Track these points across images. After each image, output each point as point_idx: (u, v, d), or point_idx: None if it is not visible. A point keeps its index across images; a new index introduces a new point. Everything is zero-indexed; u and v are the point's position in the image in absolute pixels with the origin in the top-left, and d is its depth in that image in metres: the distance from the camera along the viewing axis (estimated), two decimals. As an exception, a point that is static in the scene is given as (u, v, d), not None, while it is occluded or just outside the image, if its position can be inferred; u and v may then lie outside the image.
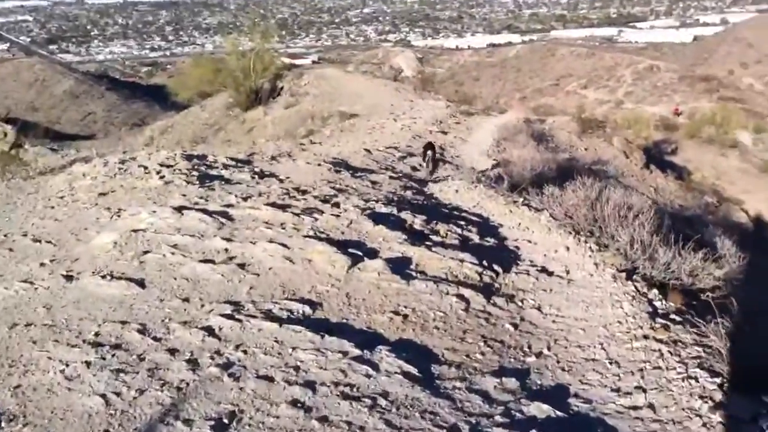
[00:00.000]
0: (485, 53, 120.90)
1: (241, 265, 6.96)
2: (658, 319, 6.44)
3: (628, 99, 67.17)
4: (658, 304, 6.87)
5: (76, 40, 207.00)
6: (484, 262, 7.52)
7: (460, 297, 6.70)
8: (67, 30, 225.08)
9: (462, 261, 7.42)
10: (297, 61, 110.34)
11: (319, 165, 12.86)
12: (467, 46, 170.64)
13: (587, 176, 11.65)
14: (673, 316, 6.58)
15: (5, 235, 8.50)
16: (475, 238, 8.64)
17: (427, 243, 7.94)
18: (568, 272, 7.71)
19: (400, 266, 7.11)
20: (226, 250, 7.33)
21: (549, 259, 8.15)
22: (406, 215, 9.00)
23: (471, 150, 19.87)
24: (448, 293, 6.73)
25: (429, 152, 15.27)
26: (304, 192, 10.24)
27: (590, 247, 8.32)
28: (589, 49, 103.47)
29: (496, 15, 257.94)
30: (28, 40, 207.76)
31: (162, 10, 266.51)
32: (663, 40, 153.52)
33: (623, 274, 7.52)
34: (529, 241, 8.87)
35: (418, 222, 8.79)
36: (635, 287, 7.19)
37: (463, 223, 9.26)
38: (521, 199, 10.87)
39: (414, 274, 7.06)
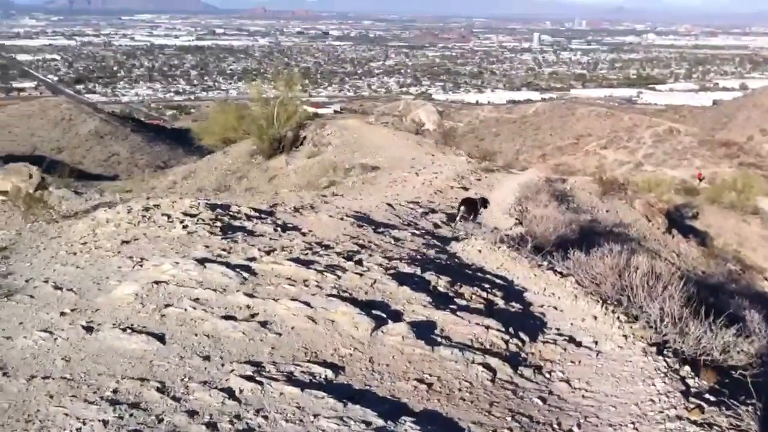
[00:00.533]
0: (505, 109, 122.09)
1: (263, 324, 6.83)
2: (692, 399, 6.23)
3: (648, 161, 67.28)
4: (690, 381, 6.66)
5: (102, 80, 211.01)
6: (511, 329, 7.36)
7: (487, 366, 6.52)
8: (94, 70, 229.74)
9: (488, 327, 7.26)
10: (319, 110, 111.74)
11: (342, 219, 12.78)
12: (487, 101, 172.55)
13: (612, 242, 11.49)
14: (707, 396, 6.36)
15: (27, 281, 8.43)
16: (500, 303, 8.49)
17: (452, 306, 7.79)
18: (596, 343, 7.51)
19: (424, 331, 6.95)
20: (248, 306, 7.22)
21: (576, 329, 7.97)
22: (430, 276, 8.87)
23: (493, 208, 19.78)
24: (474, 362, 6.56)
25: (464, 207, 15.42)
26: (327, 247, 10.15)
27: (618, 318, 8.12)
28: (609, 110, 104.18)
29: (516, 72, 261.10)
30: (56, 79, 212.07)
31: (188, 54, 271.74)
32: (682, 103, 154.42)
33: (654, 348, 7.31)
34: (555, 308, 8.70)
35: (442, 284, 8.65)
36: (667, 363, 6.98)
37: (487, 285, 9.11)
38: (546, 263, 10.71)
39: (439, 339, 6.91)
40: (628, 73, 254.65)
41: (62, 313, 7.24)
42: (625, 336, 7.61)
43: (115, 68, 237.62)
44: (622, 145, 75.58)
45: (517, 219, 17.84)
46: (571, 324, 8.13)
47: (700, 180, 54.75)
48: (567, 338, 7.63)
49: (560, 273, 10.04)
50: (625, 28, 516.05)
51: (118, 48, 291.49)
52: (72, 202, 14.02)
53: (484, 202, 16.40)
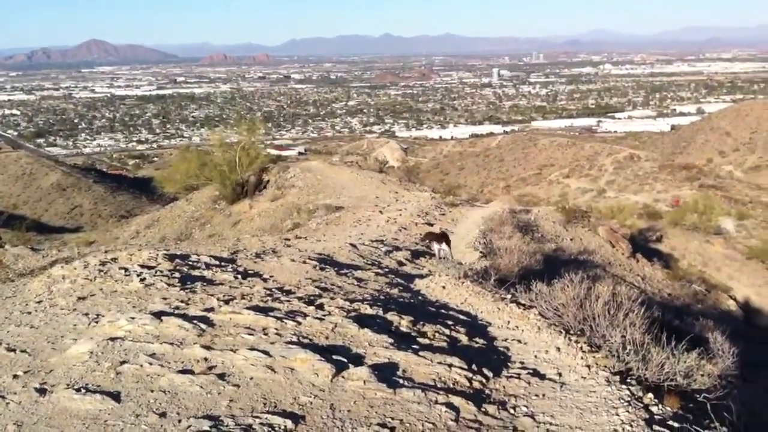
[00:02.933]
0: (468, 143, 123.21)
1: (221, 376, 6.67)
2: (655, 427, 6.20)
3: (610, 188, 68.08)
4: (654, 409, 6.64)
5: (63, 133, 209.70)
6: (474, 366, 7.28)
7: (450, 406, 6.43)
8: (54, 123, 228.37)
9: (451, 366, 7.17)
10: (283, 152, 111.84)
11: (304, 262, 12.68)
12: (450, 136, 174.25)
13: (574, 272, 11.51)
14: (670, 423, 6.35)
15: (-21, 344, 8.19)
16: (464, 339, 8.42)
17: (414, 346, 7.70)
18: (560, 375, 7.47)
19: (386, 373, 6.85)
20: (206, 359, 7.05)
21: (540, 361, 7.92)
22: (392, 316, 8.78)
23: (457, 242, 19.81)
24: (437, 402, 6.46)
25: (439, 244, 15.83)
26: (288, 292, 10.03)
27: (582, 348, 8.11)
28: (570, 139, 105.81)
29: (477, 106, 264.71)
30: (15, 133, 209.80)
31: (149, 103, 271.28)
32: (641, 130, 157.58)
33: (617, 377, 7.30)
34: (519, 341, 8.66)
35: (404, 323, 8.57)
36: (630, 391, 6.97)
37: (451, 322, 9.05)
38: (509, 296, 10.69)
39: (401, 381, 6.80)
40: (587, 103, 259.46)
41: (15, 376, 7.01)
42: (589, 366, 7.59)
43: (75, 120, 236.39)
44: (584, 173, 76.49)
45: (481, 252, 17.88)
46: (535, 356, 8.09)
47: (677, 206, 55.17)
48: (531, 371, 7.58)
49: (523, 305, 10.02)
50: (582, 60, 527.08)
51: (78, 100, 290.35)
52: (28, 260, 13.76)
53: (445, 237, 16.55)
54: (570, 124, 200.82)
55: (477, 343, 8.40)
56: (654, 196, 61.45)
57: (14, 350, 7.79)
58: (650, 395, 6.94)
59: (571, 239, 26.86)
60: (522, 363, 7.89)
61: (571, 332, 8.78)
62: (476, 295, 10.71)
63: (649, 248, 33.64)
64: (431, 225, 22.49)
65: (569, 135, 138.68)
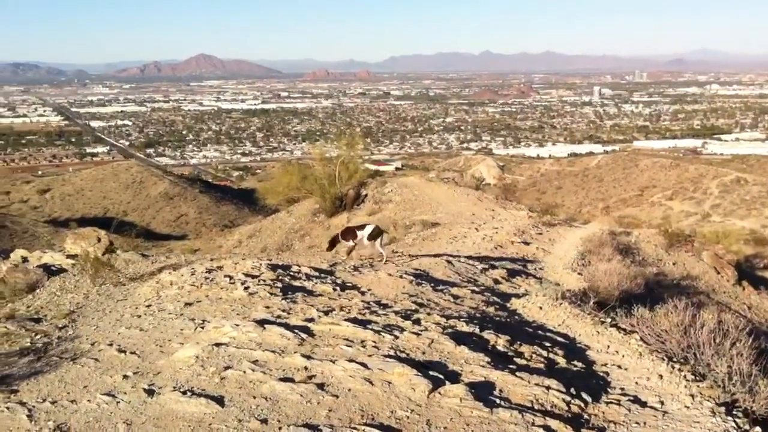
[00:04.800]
0: (567, 162, 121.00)
1: (320, 386, 6.83)
2: (764, 463, 5.96)
3: (716, 212, 65.49)
4: (762, 444, 6.38)
5: (172, 144, 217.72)
6: (572, 390, 7.18)
7: (547, 429, 6.36)
8: (163, 134, 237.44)
9: (548, 388, 7.10)
10: (381, 168, 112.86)
11: (401, 277, 12.77)
12: (548, 155, 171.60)
13: (678, 297, 11.17)
14: (780, 460, 6.08)
15: (92, 344, 8.65)
16: (562, 362, 8.31)
17: (511, 366, 7.65)
18: (662, 403, 7.27)
19: (483, 392, 6.84)
20: (306, 368, 7.23)
21: (641, 388, 7.73)
22: (488, 335, 8.76)
23: (554, 262, 19.53)
24: (533, 424, 6.41)
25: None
26: (385, 306, 10.15)
27: (685, 377, 7.87)
28: (674, 160, 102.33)
29: (577, 125, 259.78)
30: (127, 143, 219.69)
31: (254, 117, 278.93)
32: (749, 153, 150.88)
33: (722, 409, 7.04)
34: (619, 367, 8.47)
35: (501, 342, 8.54)
36: (736, 423, 6.72)
37: (548, 344, 8.95)
38: (609, 320, 10.47)
39: (498, 401, 6.78)
40: (692, 124, 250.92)
41: (125, 377, 7.38)
42: (692, 395, 7.35)
43: (184, 132, 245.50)
44: (688, 195, 73.86)
45: (580, 274, 17.55)
46: (636, 383, 7.90)
47: None
48: (631, 398, 7.41)
49: (624, 330, 9.81)
50: (687, 80, 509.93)
51: (187, 113, 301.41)
52: (138, 265, 14.39)
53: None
54: (673, 145, 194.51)
55: (575, 366, 8.27)
56: (762, 221, 58.76)
57: (124, 351, 8.20)
58: (757, 429, 6.67)
59: (674, 264, 25.98)
60: (622, 389, 7.72)
61: (674, 360, 8.53)
62: (575, 317, 10.54)
63: (756, 276, 32.16)
64: (528, 244, 22.23)
65: (673, 156, 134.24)
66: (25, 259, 18.06)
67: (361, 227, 15.63)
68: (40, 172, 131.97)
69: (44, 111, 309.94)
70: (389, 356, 7.52)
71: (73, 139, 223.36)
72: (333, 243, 15.53)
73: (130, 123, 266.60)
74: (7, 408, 6.72)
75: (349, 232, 15.45)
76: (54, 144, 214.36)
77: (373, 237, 15.23)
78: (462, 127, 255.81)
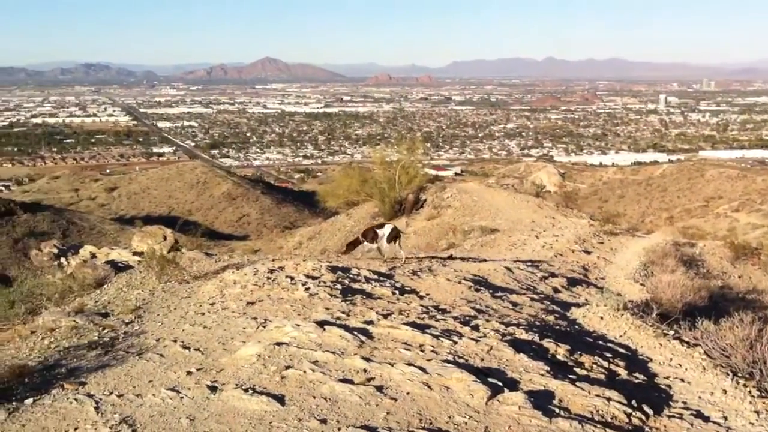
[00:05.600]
0: (630, 170, 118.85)
1: (379, 388, 6.88)
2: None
3: (784, 224, 63.34)
4: (831, 465, 6.20)
5: (236, 145, 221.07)
6: (633, 402, 7.08)
7: (607, 439, 6.30)
8: (228, 136, 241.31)
9: (609, 399, 7.01)
10: (440, 173, 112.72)
11: (459, 282, 12.78)
12: (611, 162, 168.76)
13: (744, 311, 10.90)
14: None
15: (157, 340, 8.88)
16: (623, 373, 8.20)
17: (571, 376, 7.59)
18: (725, 419, 7.13)
19: (542, 401, 6.80)
20: (365, 370, 7.30)
21: (704, 402, 7.59)
22: (548, 343, 8.70)
23: (616, 272, 19.25)
24: (593, 434, 6.35)
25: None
26: (444, 311, 10.16)
27: (750, 392, 7.69)
28: (741, 171, 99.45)
29: (641, 133, 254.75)
30: (193, 144, 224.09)
31: (316, 120, 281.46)
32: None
33: (790, 427, 6.86)
34: (682, 380, 8.32)
35: (561, 352, 8.47)
36: (804, 443, 6.53)
37: (609, 354, 8.84)
38: (672, 332, 10.29)
39: (557, 410, 6.72)
40: (761, 134, 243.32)
41: (189, 373, 7.56)
42: (757, 412, 7.19)
43: (248, 134, 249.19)
44: (755, 208, 71.63)
45: (642, 285, 17.25)
46: (699, 397, 7.75)
47: None
48: (694, 413, 7.27)
49: (687, 343, 9.62)
50: (757, 89, 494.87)
51: (251, 115, 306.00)
52: (202, 264, 14.70)
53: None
54: (741, 156, 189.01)
55: (637, 378, 8.16)
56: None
57: (188, 348, 8.39)
58: (826, 449, 6.48)
59: (739, 277, 25.29)
60: (684, 403, 7.58)
61: (739, 375, 8.34)
62: (636, 328, 10.39)
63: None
64: (588, 253, 21.96)
65: (740, 167, 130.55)
66: (93, 255, 18.66)
67: (381, 226, 15.79)
68: (108, 171, 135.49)
69: (113, 111, 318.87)
70: (448, 361, 7.54)
71: (140, 139, 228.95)
72: (354, 244, 15.65)
73: (196, 124, 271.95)
74: (76, 399, 6.95)
75: (370, 233, 15.56)
76: (122, 143, 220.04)
77: (392, 238, 15.34)
78: (523, 134, 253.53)
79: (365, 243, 15.42)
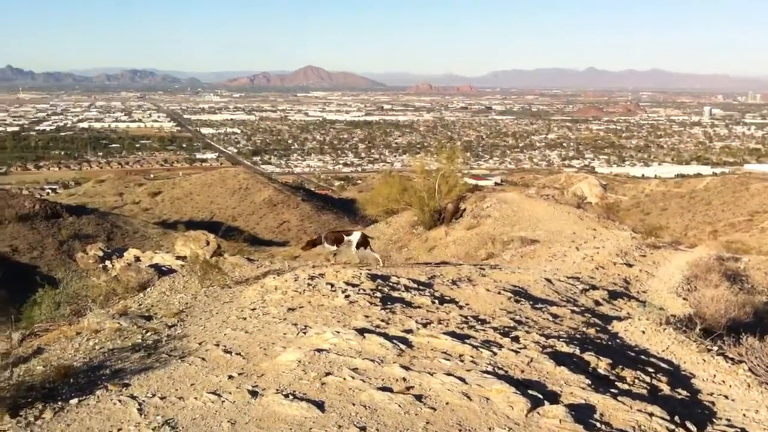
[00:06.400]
0: (673, 183, 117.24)
1: (418, 397, 6.88)
2: None
3: (834, 240, 61.90)
4: None
5: (277, 152, 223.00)
6: (676, 418, 6.98)
7: (649, 455, 6.23)
8: (270, 143, 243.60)
9: (651, 414, 6.93)
10: (480, 182, 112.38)
11: (499, 293, 12.72)
12: (654, 175, 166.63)
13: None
14: None
15: (199, 344, 8.99)
16: (665, 389, 8.10)
17: (612, 390, 7.51)
18: (771, 438, 6.99)
19: (582, 414, 6.74)
20: (404, 378, 7.31)
21: (749, 420, 7.46)
22: (589, 357, 8.62)
23: (658, 286, 18.99)
24: (634, 450, 6.28)
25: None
26: (483, 322, 10.13)
27: (797, 412, 7.53)
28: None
29: (684, 145, 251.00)
30: (235, 150, 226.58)
31: (356, 128, 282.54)
32: None
33: (838, 448, 6.71)
34: (726, 397, 8.19)
35: (602, 365, 8.39)
36: None
37: (651, 369, 8.73)
38: (716, 348, 10.13)
39: (598, 425, 6.66)
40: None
41: (230, 377, 7.65)
42: (805, 432, 7.04)
43: (289, 141, 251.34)
44: (802, 222, 70.25)
45: (684, 299, 16.99)
46: (744, 415, 7.62)
47: None
48: (738, 430, 7.15)
49: (732, 359, 9.48)
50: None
51: (293, 122, 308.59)
52: (244, 269, 14.87)
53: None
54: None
55: (679, 394, 8.05)
56: None
57: (230, 352, 8.49)
58: None
59: (787, 293, 24.77)
60: (728, 420, 7.46)
61: (786, 394, 8.18)
62: (679, 343, 10.25)
63: None
64: (630, 266, 21.68)
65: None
66: (137, 259, 18.99)
67: (349, 233, 15.58)
68: (152, 176, 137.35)
69: (158, 117, 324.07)
70: (487, 372, 7.51)
71: (184, 145, 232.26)
72: (313, 244, 15.37)
73: (238, 131, 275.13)
74: (120, 401, 7.08)
75: (332, 236, 15.35)
76: (166, 149, 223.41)
77: (360, 244, 15.15)
78: (564, 144, 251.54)
79: (325, 245, 15.19)
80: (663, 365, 9.23)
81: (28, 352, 9.40)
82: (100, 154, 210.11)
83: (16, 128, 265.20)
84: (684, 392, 8.14)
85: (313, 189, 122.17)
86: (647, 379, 8.23)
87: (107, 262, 24.23)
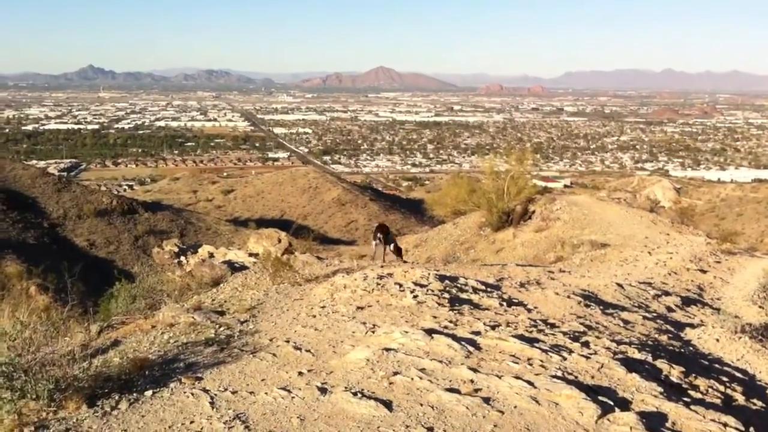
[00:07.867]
0: (750, 188, 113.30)
1: (486, 400, 6.88)
2: None
3: None
4: None
5: (347, 152, 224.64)
6: (751, 429, 6.81)
7: (722, 466, 6.11)
8: (340, 143, 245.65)
9: (725, 425, 6.77)
10: (550, 184, 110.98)
11: (569, 297, 12.60)
12: (730, 179, 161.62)
13: None
14: None
15: (270, 340, 9.17)
16: (740, 399, 7.90)
17: (685, 399, 7.36)
18: None
19: (654, 423, 6.62)
20: (472, 380, 7.32)
21: (828, 434, 7.22)
22: (661, 364, 8.47)
23: (733, 293, 18.48)
24: (707, 460, 6.17)
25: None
26: (552, 326, 10.06)
27: None
28: None
29: (763, 149, 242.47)
30: (306, 150, 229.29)
31: (426, 129, 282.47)
32: None
33: None
34: (804, 410, 7.94)
35: (675, 373, 8.23)
36: None
37: (725, 378, 8.53)
38: (795, 359, 9.84)
39: (669, 433, 6.56)
40: None
41: (300, 373, 7.79)
42: None
43: (359, 141, 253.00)
44: None
45: (761, 307, 16.50)
46: (822, 429, 7.38)
47: None
48: (817, 444, 6.94)
49: (811, 371, 9.18)
50: None
51: (363, 123, 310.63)
52: (314, 267, 15.09)
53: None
54: None
55: (755, 404, 7.85)
56: None
57: (300, 349, 8.64)
58: None
59: None
60: (806, 434, 7.24)
61: None
62: (755, 352, 9.99)
63: None
64: (704, 272, 21.16)
65: None
66: (211, 255, 19.46)
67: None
68: (225, 174, 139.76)
69: (233, 116, 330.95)
70: (556, 377, 7.45)
71: (257, 144, 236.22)
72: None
73: (309, 131, 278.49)
74: (192, 394, 7.28)
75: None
76: (239, 148, 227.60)
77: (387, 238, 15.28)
78: (637, 147, 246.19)
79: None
80: (738, 374, 9.01)
81: (105, 344, 9.71)
82: (176, 152, 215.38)
83: (96, 126, 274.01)
84: (759, 402, 7.92)
85: (380, 189, 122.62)
86: (721, 388, 8.04)
87: (182, 258, 24.88)
